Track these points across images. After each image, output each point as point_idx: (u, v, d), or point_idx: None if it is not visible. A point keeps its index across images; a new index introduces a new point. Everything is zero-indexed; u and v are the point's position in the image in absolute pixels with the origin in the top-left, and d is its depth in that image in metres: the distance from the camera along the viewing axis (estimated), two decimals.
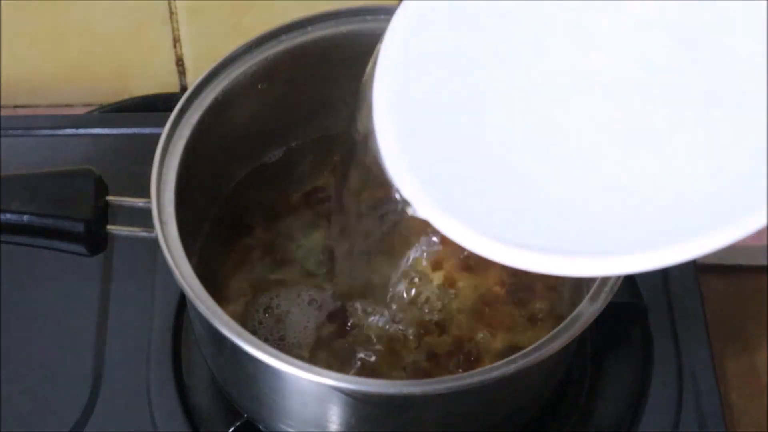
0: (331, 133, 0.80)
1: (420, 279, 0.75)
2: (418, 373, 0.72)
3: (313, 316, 0.75)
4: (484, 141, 0.59)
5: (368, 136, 0.62)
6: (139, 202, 0.70)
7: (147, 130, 0.90)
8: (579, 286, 0.72)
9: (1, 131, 0.91)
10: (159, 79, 0.99)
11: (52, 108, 1.00)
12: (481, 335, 0.74)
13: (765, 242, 0.91)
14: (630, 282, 0.80)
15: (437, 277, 0.75)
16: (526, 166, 0.58)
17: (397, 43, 0.61)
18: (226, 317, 0.64)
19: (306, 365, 0.63)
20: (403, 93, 0.60)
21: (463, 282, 0.75)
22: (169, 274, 0.66)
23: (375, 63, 0.62)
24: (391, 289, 0.74)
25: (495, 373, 0.63)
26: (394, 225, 0.65)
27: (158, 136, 0.70)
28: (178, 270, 0.65)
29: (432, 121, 0.60)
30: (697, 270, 0.83)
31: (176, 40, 0.96)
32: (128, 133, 0.92)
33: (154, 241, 0.66)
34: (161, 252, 0.66)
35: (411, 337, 0.73)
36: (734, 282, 0.92)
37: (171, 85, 0.99)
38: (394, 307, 0.74)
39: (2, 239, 0.70)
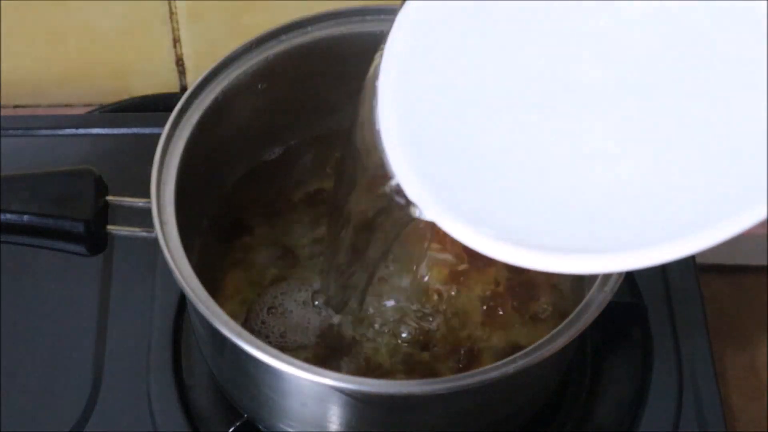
0: (331, 132, 0.80)
1: (420, 278, 0.75)
2: (419, 373, 0.72)
3: (313, 315, 0.75)
4: (486, 141, 0.59)
5: (370, 137, 0.62)
6: (139, 202, 0.70)
7: (147, 130, 0.90)
8: (580, 285, 0.72)
9: (1, 131, 0.91)
10: (159, 79, 0.99)
11: (52, 108, 1.00)
12: (481, 334, 0.74)
13: (765, 242, 0.91)
14: (630, 282, 0.80)
15: (438, 277, 0.75)
16: (528, 166, 0.58)
17: (400, 45, 0.61)
18: (226, 317, 0.64)
19: (306, 365, 0.63)
20: (406, 95, 0.60)
21: (464, 281, 0.75)
22: (169, 274, 0.66)
23: (377, 65, 0.62)
24: (391, 289, 0.74)
25: (495, 373, 0.63)
26: (394, 226, 0.65)
27: (158, 136, 0.70)
28: (178, 270, 0.65)
29: (436, 121, 0.60)
30: (697, 270, 0.83)
31: (176, 40, 0.96)
32: (128, 133, 0.92)
33: (154, 241, 0.66)
34: (161, 252, 0.66)
35: (411, 337, 0.73)
36: (734, 282, 0.92)
37: (171, 85, 0.99)
38: (394, 306, 0.74)
39: (2, 239, 0.70)
